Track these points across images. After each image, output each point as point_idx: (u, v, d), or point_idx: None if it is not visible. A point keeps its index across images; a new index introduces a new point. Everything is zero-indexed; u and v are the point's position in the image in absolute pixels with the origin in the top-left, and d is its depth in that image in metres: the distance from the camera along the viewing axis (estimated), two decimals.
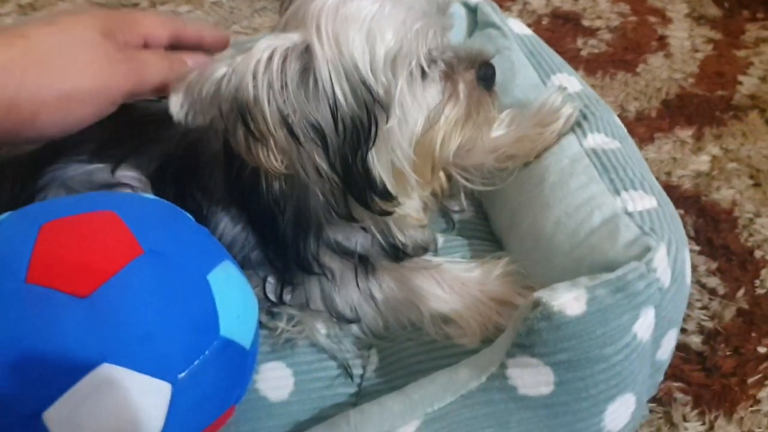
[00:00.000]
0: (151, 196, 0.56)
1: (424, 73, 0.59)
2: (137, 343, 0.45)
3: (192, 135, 0.65)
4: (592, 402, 0.54)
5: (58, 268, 0.45)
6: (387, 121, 0.57)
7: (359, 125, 0.56)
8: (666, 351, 0.62)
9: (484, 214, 0.79)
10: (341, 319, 0.66)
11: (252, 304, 0.55)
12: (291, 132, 0.54)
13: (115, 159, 0.64)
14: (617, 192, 0.63)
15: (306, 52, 0.55)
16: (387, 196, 0.60)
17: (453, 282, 0.67)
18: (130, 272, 0.46)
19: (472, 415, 0.54)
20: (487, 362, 0.56)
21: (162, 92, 0.59)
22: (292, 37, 0.55)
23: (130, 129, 0.66)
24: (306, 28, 0.55)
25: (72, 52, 0.55)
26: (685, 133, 1.03)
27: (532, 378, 0.54)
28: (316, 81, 0.54)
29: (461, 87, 0.62)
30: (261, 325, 0.65)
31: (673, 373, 0.71)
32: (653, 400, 0.69)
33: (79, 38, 0.55)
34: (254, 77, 0.52)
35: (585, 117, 0.72)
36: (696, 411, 0.70)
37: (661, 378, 0.66)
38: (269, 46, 0.53)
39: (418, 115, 0.60)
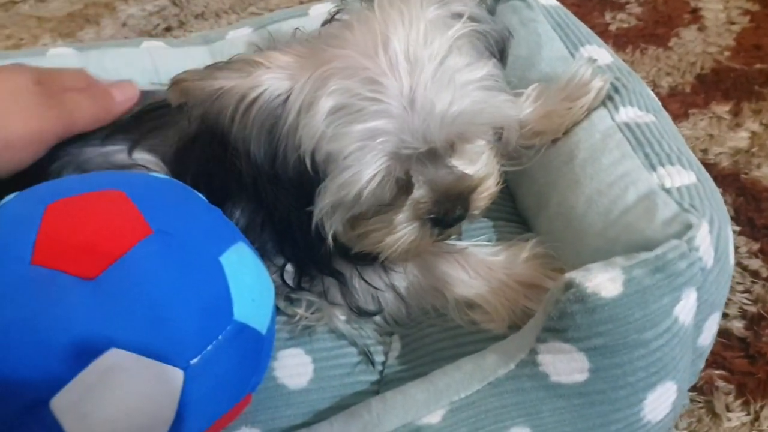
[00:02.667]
0: (161, 175, 0.54)
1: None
2: (147, 328, 0.43)
3: None
4: (630, 390, 0.50)
5: (64, 250, 0.43)
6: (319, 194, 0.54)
7: (295, 184, 0.55)
8: (707, 337, 0.58)
9: (509, 195, 0.76)
10: (363, 314, 0.63)
11: (268, 287, 0.53)
12: (249, 162, 0.55)
13: (131, 141, 0.62)
14: (653, 167, 0.60)
15: (285, 102, 0.53)
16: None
17: (478, 266, 0.64)
18: (138, 253, 0.44)
19: (501, 404, 0.51)
20: (516, 348, 0.53)
21: (92, 127, 0.62)
22: (283, 82, 0.53)
23: (143, 114, 0.65)
24: (303, 73, 0.53)
25: (8, 99, 0.56)
26: (722, 109, 0.99)
27: (565, 365, 0.50)
28: (274, 134, 0.54)
29: (401, 216, 0.57)
30: (279, 311, 0.63)
31: (714, 360, 0.68)
32: (694, 389, 0.65)
33: (14, 86, 0.57)
34: (233, 114, 0.53)
35: (617, 90, 0.68)
36: (740, 400, 0.66)
37: (702, 365, 0.62)
38: (260, 85, 0.53)
39: (349, 206, 0.55)
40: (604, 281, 0.49)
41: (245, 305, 0.48)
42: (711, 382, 0.67)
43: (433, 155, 0.55)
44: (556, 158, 0.67)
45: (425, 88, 0.51)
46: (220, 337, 0.45)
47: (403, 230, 0.57)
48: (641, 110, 0.66)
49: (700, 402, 0.66)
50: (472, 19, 0.57)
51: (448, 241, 0.65)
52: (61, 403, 0.41)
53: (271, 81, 0.53)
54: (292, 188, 0.55)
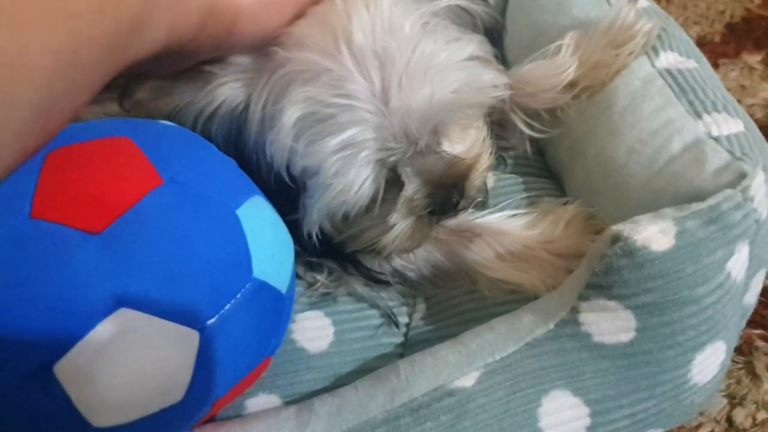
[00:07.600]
0: (170, 123, 0.49)
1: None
2: (159, 286, 0.39)
3: None
4: (678, 350, 0.47)
5: (66, 201, 0.39)
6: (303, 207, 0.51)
7: (274, 190, 0.50)
8: (753, 294, 0.55)
9: (539, 149, 0.71)
10: (381, 283, 0.60)
11: (287, 243, 0.49)
12: None
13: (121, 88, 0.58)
14: (698, 115, 0.56)
15: (246, 111, 0.50)
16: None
17: (515, 247, 0.59)
18: (148, 204, 0.40)
19: (540, 365, 0.48)
20: (554, 307, 0.49)
21: None
22: (239, 91, 0.50)
23: None
24: (260, 77, 0.50)
25: None
26: (754, 59, 0.94)
27: (610, 324, 0.47)
28: (240, 145, 0.51)
29: (395, 216, 0.53)
30: (298, 277, 0.59)
31: (753, 319, 0.63)
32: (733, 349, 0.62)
33: None
34: (194, 128, 0.51)
35: (656, 35, 0.63)
36: None
37: (743, 325, 0.58)
38: (216, 99, 0.51)
39: (336, 200, 0.50)
40: (654, 234, 0.45)
41: (264, 262, 0.44)
42: (750, 342, 0.64)
43: (420, 147, 0.50)
44: (593, 106, 0.62)
45: (399, 84, 0.46)
46: (238, 295, 0.42)
47: (398, 228, 0.53)
48: (682, 56, 0.62)
49: (739, 363, 0.63)
50: None
51: (476, 218, 0.61)
52: (66, 369, 0.37)
53: (227, 92, 0.50)
54: (273, 192, 0.51)
